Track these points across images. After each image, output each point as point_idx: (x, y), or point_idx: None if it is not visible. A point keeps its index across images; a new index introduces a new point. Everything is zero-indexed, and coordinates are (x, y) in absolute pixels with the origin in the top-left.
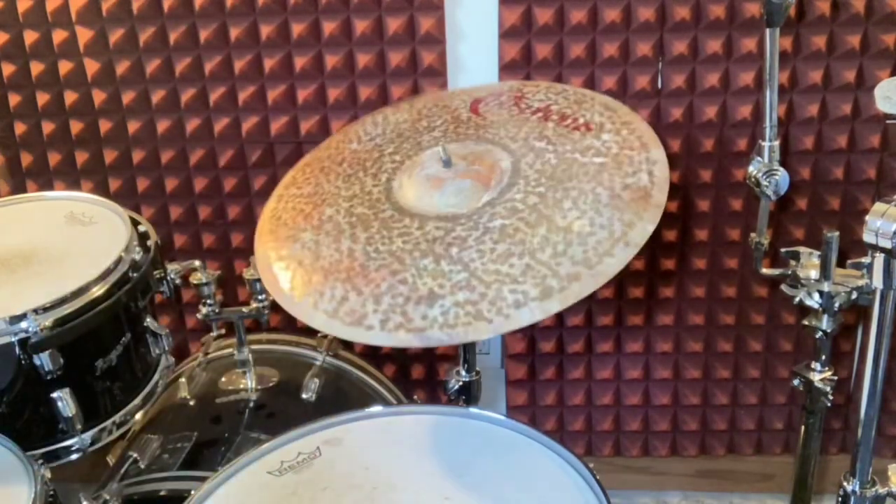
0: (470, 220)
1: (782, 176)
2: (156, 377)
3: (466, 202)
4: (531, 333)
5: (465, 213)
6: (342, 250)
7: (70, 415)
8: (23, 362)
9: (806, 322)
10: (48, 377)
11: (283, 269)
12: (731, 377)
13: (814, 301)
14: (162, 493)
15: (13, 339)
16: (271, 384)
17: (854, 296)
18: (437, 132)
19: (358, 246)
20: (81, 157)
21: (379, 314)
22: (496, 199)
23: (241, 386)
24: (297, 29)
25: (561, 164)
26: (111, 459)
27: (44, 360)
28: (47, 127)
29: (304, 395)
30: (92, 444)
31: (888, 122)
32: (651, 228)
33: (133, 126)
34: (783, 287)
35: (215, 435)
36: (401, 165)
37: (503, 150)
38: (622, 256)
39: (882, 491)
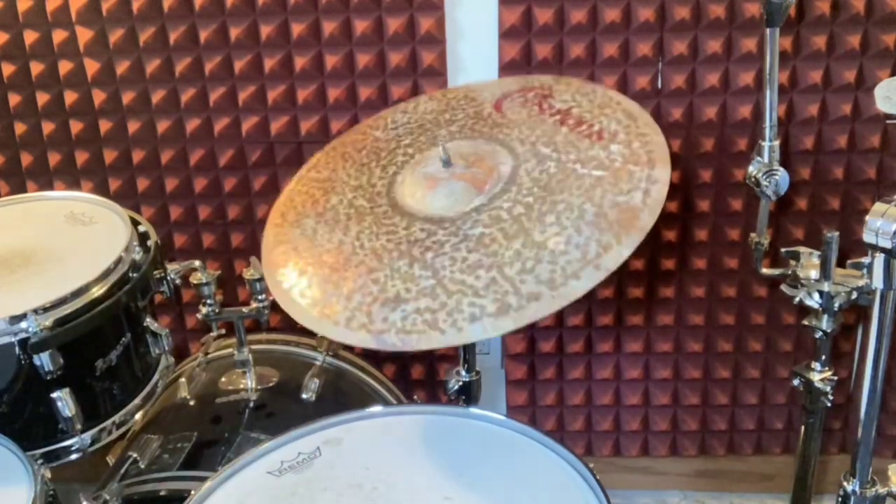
0: (453, 225)
1: (782, 176)
2: (156, 377)
3: (455, 205)
4: (531, 333)
5: (450, 217)
6: (334, 241)
7: (70, 415)
8: (23, 362)
9: (806, 322)
10: (48, 377)
11: (282, 257)
12: (731, 377)
13: (814, 301)
14: (162, 493)
15: (13, 339)
16: (271, 384)
17: (854, 296)
18: (455, 126)
19: (347, 238)
20: (81, 157)
21: (347, 312)
22: (485, 204)
23: (241, 386)
24: (297, 29)
25: (559, 173)
26: (111, 459)
27: (44, 360)
28: (47, 127)
29: (304, 395)
30: (92, 444)
31: (888, 122)
32: (627, 254)
33: (133, 126)
34: (783, 287)
35: (215, 435)
36: (410, 160)
37: (508, 154)
38: (589, 280)
39: (882, 491)
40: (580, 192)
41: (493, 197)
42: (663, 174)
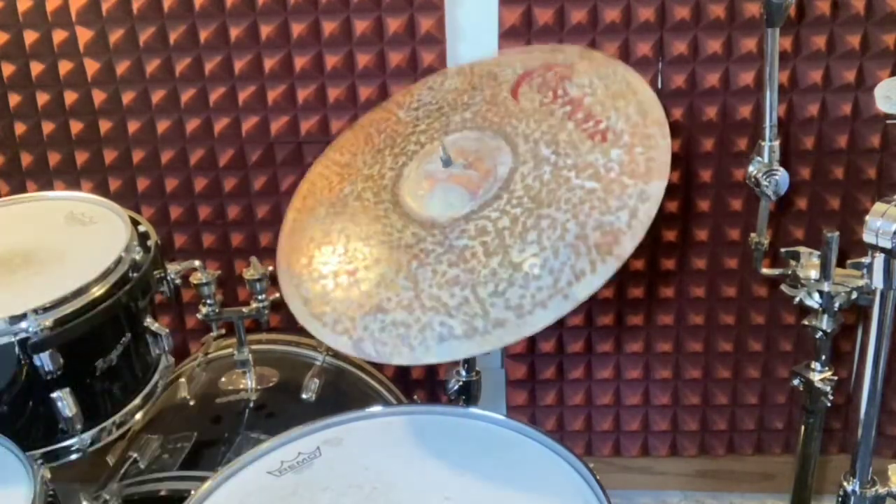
0: (442, 233)
1: (782, 176)
2: (156, 377)
3: (449, 210)
4: None
5: (441, 223)
6: (340, 236)
7: (70, 415)
8: (23, 362)
9: (806, 322)
10: (48, 377)
11: (297, 243)
12: (731, 377)
13: (814, 301)
14: (162, 493)
15: (13, 339)
16: (271, 384)
17: (854, 296)
18: (469, 113)
19: (348, 232)
20: (81, 157)
21: (335, 314)
22: (475, 212)
23: (241, 386)
24: (297, 29)
25: (552, 181)
26: (111, 459)
27: (44, 360)
28: (47, 127)
29: (304, 395)
30: (92, 444)
31: (888, 122)
32: (599, 284)
33: (133, 126)
34: (783, 287)
35: (215, 435)
36: (420, 149)
37: (510, 152)
38: (556, 310)
39: (882, 491)
40: (568, 206)
41: (483, 204)
42: (657, 190)
